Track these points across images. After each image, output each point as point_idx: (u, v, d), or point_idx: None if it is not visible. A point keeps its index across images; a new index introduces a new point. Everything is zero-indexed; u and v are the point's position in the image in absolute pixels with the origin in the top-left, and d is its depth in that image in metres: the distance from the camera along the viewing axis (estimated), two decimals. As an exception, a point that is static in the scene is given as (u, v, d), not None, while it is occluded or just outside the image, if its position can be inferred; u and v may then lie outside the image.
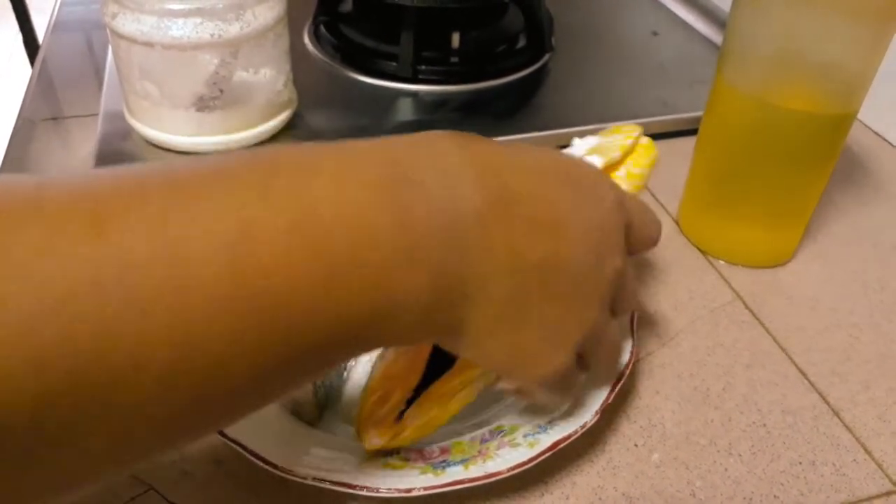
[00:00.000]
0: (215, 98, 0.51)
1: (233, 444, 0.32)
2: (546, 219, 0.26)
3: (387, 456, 0.34)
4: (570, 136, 0.59)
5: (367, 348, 0.25)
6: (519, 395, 0.34)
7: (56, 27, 0.73)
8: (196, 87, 0.50)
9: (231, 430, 0.32)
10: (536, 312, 0.27)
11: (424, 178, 0.23)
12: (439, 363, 0.34)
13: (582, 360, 0.31)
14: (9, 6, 1.40)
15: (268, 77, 0.53)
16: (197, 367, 0.19)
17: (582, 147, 0.42)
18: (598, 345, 0.31)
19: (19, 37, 1.20)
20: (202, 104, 0.51)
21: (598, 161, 0.40)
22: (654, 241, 0.33)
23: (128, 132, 0.55)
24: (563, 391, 0.33)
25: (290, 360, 0.21)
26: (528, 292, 0.26)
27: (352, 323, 0.22)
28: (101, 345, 0.17)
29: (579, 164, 0.30)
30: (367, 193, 0.22)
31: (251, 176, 0.21)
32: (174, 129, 0.53)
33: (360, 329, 0.23)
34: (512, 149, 0.27)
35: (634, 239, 0.31)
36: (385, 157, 0.24)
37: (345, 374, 0.37)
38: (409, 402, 0.34)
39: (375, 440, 0.33)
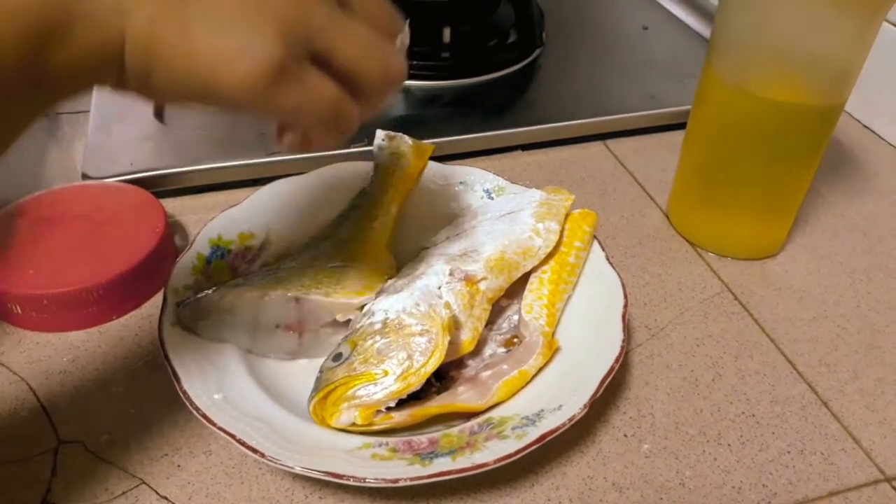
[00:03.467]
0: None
1: (223, 434, 0.32)
2: None
3: (375, 447, 0.34)
4: (561, 131, 0.60)
5: (64, 91, 0.24)
6: (299, 142, 0.31)
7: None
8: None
9: (220, 421, 0.32)
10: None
11: None
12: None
13: (349, 85, 0.28)
14: None
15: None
16: None
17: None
18: (335, 41, 0.27)
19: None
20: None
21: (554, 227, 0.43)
22: None
23: (119, 128, 0.55)
24: (336, 125, 0.29)
25: None
26: None
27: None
28: None
29: None
30: None
31: None
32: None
33: (24, 64, 0.22)
34: None
35: None
36: None
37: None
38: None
39: (344, 419, 0.34)
